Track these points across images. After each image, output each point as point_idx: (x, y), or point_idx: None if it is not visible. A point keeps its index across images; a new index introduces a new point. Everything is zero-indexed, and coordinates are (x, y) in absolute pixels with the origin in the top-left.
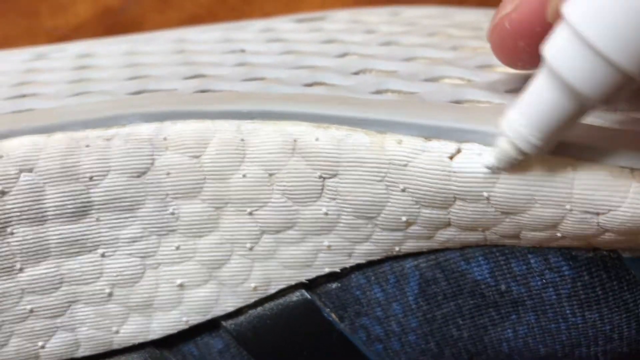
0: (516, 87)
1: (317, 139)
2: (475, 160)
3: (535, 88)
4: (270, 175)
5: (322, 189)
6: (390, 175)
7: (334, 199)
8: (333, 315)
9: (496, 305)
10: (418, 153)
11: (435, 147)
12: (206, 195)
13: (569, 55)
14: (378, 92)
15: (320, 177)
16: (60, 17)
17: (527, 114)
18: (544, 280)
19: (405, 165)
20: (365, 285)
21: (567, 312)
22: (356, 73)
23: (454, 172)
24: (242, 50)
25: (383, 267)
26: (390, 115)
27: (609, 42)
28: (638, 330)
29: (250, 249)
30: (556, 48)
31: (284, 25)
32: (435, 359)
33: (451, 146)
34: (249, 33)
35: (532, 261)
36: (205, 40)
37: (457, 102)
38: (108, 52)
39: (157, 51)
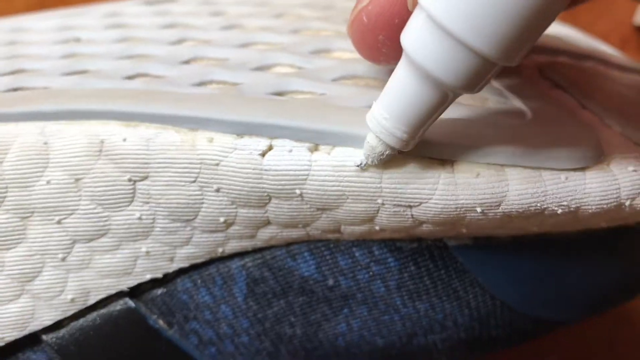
0: (344, 74)
1: (124, 140)
2: (286, 157)
3: (396, 79)
4: (77, 180)
5: (134, 193)
6: (203, 176)
7: (147, 202)
8: (160, 322)
9: (327, 301)
10: (229, 151)
11: (247, 145)
12: (9, 205)
13: (425, 41)
14: (202, 83)
15: (130, 180)
16: None
17: (390, 106)
18: (370, 273)
19: (217, 165)
20: (192, 289)
21: (398, 303)
22: (186, 62)
23: (265, 169)
24: (77, 40)
25: (209, 269)
26: (201, 111)
27: (463, 25)
28: (471, 316)
29: (63, 259)
30: (412, 35)
31: (131, 8)
32: (272, 357)
33: (262, 143)
34: (91, 19)
35: (357, 254)
36: (41, 29)
37: (279, 93)
38: None
39: None
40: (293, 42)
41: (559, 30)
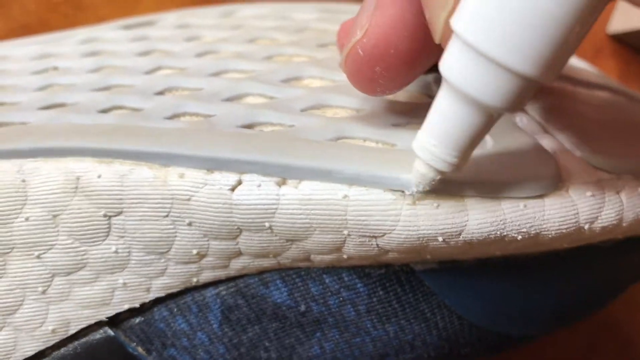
0: (314, 104)
1: (99, 176)
2: (255, 191)
3: (439, 107)
4: (54, 216)
5: (109, 228)
6: (175, 210)
7: (122, 236)
8: (139, 349)
9: (300, 325)
10: (200, 186)
11: (217, 180)
12: None
13: (465, 68)
14: (175, 115)
15: (105, 215)
16: None
17: (437, 134)
18: (341, 298)
19: (188, 200)
20: (168, 317)
21: (368, 326)
22: (160, 92)
23: (235, 204)
24: (55, 68)
25: (185, 298)
26: (173, 147)
27: (501, 49)
28: (440, 336)
29: (43, 292)
30: (452, 64)
31: (109, 33)
32: None
33: (232, 178)
34: (68, 45)
35: (327, 281)
36: (20, 57)
37: (249, 125)
38: None
39: None
40: (265, 70)
41: None
